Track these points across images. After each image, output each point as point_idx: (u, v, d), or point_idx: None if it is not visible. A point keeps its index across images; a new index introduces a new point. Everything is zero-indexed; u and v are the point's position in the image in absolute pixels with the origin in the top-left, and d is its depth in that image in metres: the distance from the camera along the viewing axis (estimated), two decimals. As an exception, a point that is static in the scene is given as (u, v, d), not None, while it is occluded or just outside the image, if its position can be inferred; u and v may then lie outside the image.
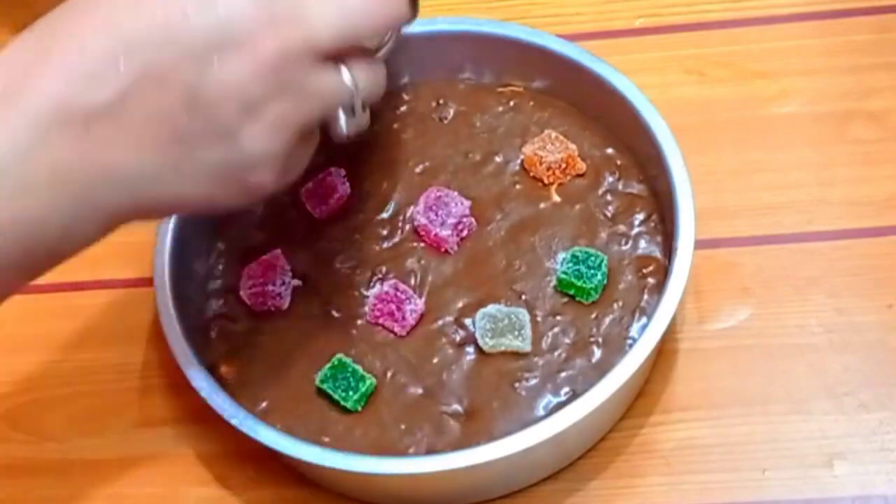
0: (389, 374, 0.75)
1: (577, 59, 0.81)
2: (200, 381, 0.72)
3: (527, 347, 0.74)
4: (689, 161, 0.75)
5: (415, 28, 0.83)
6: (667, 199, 0.75)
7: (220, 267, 0.81)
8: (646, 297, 0.75)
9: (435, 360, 0.75)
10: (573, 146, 0.81)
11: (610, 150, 0.81)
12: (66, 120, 0.54)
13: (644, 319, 0.74)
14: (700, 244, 0.73)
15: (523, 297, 0.76)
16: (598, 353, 0.74)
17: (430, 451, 0.72)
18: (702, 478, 0.74)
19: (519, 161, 0.82)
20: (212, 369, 0.75)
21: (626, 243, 0.78)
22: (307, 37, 0.57)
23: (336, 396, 0.73)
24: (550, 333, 0.75)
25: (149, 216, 0.61)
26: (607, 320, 0.75)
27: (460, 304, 0.77)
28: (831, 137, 0.85)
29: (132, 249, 0.84)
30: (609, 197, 0.80)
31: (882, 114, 0.85)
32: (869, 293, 0.79)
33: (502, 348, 0.74)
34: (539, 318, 0.75)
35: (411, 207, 0.81)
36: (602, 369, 0.72)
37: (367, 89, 0.61)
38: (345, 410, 0.74)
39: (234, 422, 0.70)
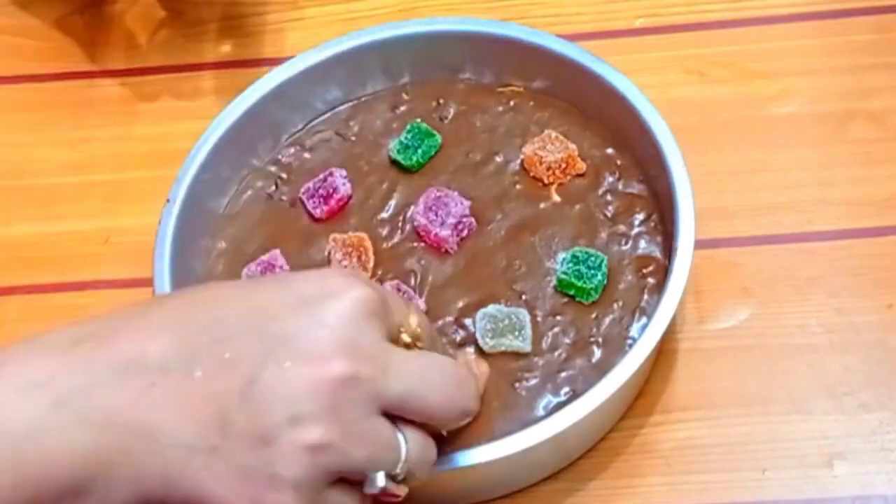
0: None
1: (578, 59, 0.81)
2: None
3: (527, 348, 0.74)
4: (689, 161, 0.75)
5: (415, 28, 0.84)
6: (667, 199, 0.75)
7: (220, 267, 0.80)
8: (646, 297, 0.75)
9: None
10: (573, 146, 0.81)
11: (610, 150, 0.81)
12: (138, 370, 0.56)
13: (644, 319, 0.74)
14: (700, 244, 0.73)
15: (523, 297, 0.76)
16: (598, 353, 0.74)
17: None
18: (702, 478, 0.74)
19: (519, 161, 0.82)
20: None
21: (626, 243, 0.78)
22: (379, 381, 0.58)
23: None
24: (550, 333, 0.75)
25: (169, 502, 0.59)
26: (607, 320, 0.75)
27: (460, 305, 0.77)
28: (831, 137, 0.85)
29: (132, 249, 0.85)
30: (609, 197, 0.79)
31: (882, 114, 0.85)
32: (869, 293, 0.79)
33: (502, 348, 0.74)
34: (539, 318, 0.75)
35: (411, 207, 0.81)
36: (602, 369, 0.72)
37: (415, 460, 0.60)
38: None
39: None
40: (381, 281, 0.78)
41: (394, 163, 0.83)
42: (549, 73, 0.83)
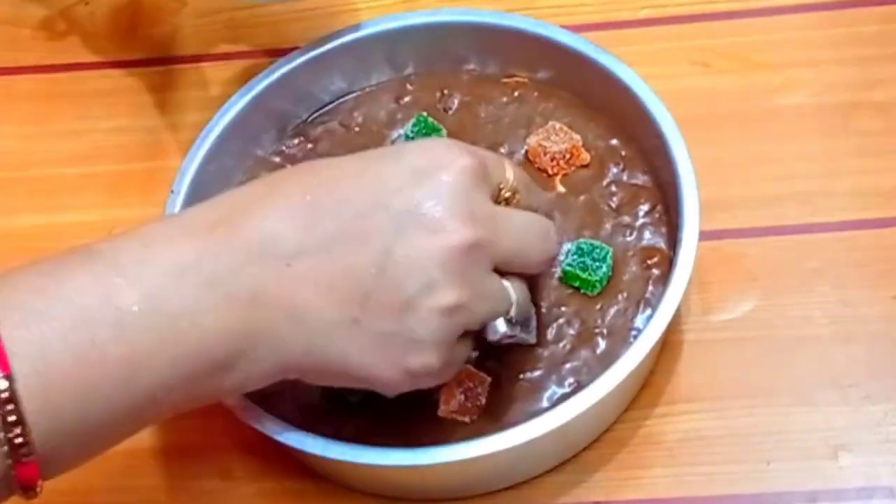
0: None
1: (582, 49, 0.81)
2: (205, 373, 0.72)
3: (532, 340, 0.73)
4: (693, 152, 0.75)
5: (419, 18, 0.84)
6: (671, 190, 0.75)
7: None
8: (650, 288, 0.75)
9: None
10: (577, 137, 0.81)
11: (614, 141, 0.81)
12: (274, 252, 0.59)
13: (649, 311, 0.74)
14: (705, 235, 0.73)
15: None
16: (602, 344, 0.74)
17: (435, 442, 0.71)
18: (706, 469, 0.74)
19: (523, 152, 0.82)
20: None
21: (631, 234, 0.77)
22: (494, 242, 0.63)
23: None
24: (555, 325, 0.75)
25: (314, 375, 0.63)
26: (612, 311, 0.75)
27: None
28: (836, 129, 0.85)
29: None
30: (613, 188, 0.79)
31: (887, 105, 0.85)
32: (874, 284, 0.78)
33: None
34: (544, 310, 0.75)
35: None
36: (607, 361, 0.72)
37: (521, 304, 0.67)
38: (350, 402, 0.74)
39: (238, 413, 0.70)
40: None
41: (398, 154, 0.82)
42: (554, 64, 0.83)
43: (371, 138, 0.84)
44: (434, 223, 0.61)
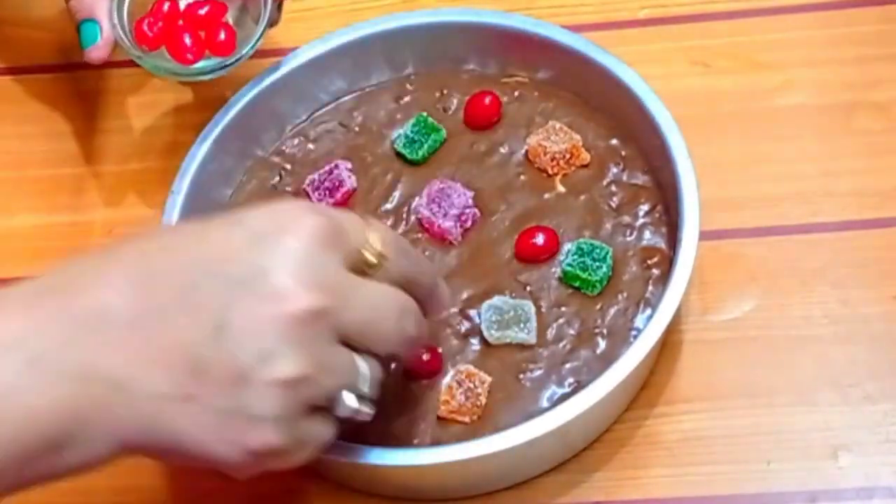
0: (394, 366, 0.75)
1: (582, 49, 0.81)
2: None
3: (532, 340, 0.74)
4: (693, 152, 0.75)
5: (419, 18, 0.83)
6: (671, 190, 0.75)
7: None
8: (650, 288, 0.75)
9: (439, 351, 0.75)
10: (577, 137, 0.81)
11: (614, 141, 0.81)
12: (104, 324, 0.56)
13: (649, 310, 0.74)
14: (705, 235, 0.73)
15: (528, 288, 0.76)
16: (602, 344, 0.74)
17: (435, 442, 0.72)
18: (706, 469, 0.74)
19: (523, 152, 0.81)
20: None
21: (631, 234, 0.77)
22: (341, 311, 0.59)
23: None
24: (555, 325, 0.75)
25: (157, 454, 0.60)
26: (612, 311, 0.75)
27: (465, 296, 0.77)
28: (836, 128, 0.85)
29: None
30: (614, 188, 0.79)
31: (887, 104, 0.85)
32: (874, 284, 0.78)
33: (508, 340, 0.74)
34: (544, 310, 0.75)
35: (415, 199, 0.80)
36: (607, 360, 0.72)
37: (374, 381, 0.62)
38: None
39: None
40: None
41: (398, 154, 0.82)
42: (554, 64, 0.83)
43: (371, 138, 0.84)
44: (273, 290, 0.57)
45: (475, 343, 0.75)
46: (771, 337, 0.77)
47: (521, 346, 0.74)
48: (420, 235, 0.79)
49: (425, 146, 0.82)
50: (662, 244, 0.77)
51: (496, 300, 0.75)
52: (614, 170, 0.80)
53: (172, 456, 0.59)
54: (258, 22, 0.79)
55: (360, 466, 0.69)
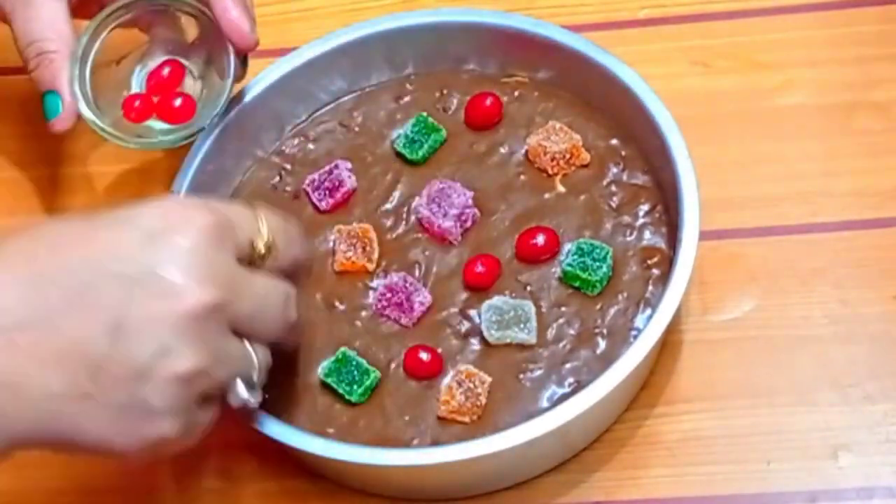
0: (394, 366, 0.75)
1: (582, 49, 0.80)
2: (204, 373, 0.72)
3: (532, 340, 0.74)
4: (693, 152, 0.75)
5: (419, 18, 0.83)
6: (671, 190, 0.75)
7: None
8: (650, 288, 0.75)
9: (440, 352, 0.75)
10: (577, 137, 0.81)
11: (614, 141, 0.81)
12: None
13: (649, 310, 0.74)
14: (705, 235, 0.73)
15: (528, 288, 0.76)
16: (602, 344, 0.74)
17: (435, 442, 0.72)
18: (706, 469, 0.74)
19: (523, 152, 0.81)
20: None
21: (631, 234, 0.77)
22: (234, 304, 0.61)
23: (340, 390, 0.74)
24: (555, 325, 0.75)
25: (50, 448, 0.61)
26: (612, 311, 0.75)
27: (465, 296, 0.77)
28: (836, 128, 0.85)
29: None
30: (614, 188, 0.79)
31: (887, 105, 0.85)
32: (874, 284, 0.78)
33: (508, 340, 0.74)
34: (544, 310, 0.75)
35: (415, 199, 0.80)
36: (607, 360, 0.72)
37: (264, 369, 0.65)
38: (349, 402, 0.74)
39: (238, 414, 0.70)
40: (386, 272, 0.78)
41: (398, 154, 0.82)
42: (554, 64, 0.83)
43: (370, 138, 0.84)
44: (167, 287, 0.59)
45: (475, 343, 0.75)
46: (771, 337, 0.77)
47: (521, 346, 0.74)
48: (420, 235, 0.79)
49: (425, 146, 0.82)
50: (662, 244, 0.77)
51: (496, 300, 0.75)
52: (614, 170, 0.80)
53: (68, 450, 0.61)
54: (223, 76, 0.79)
55: (360, 466, 0.69)
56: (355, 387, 0.73)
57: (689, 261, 0.71)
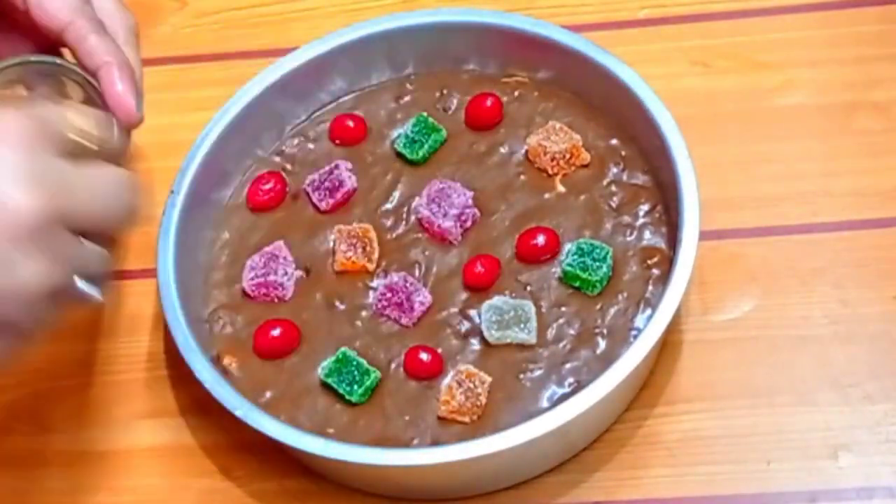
0: (394, 366, 0.75)
1: (582, 49, 0.81)
2: (204, 373, 0.72)
3: (532, 340, 0.74)
4: (693, 152, 0.75)
5: (419, 18, 0.83)
6: (671, 190, 0.75)
7: (224, 258, 0.80)
8: (650, 288, 0.75)
9: (440, 352, 0.75)
10: (577, 137, 0.81)
11: (614, 141, 0.81)
12: None
13: (649, 310, 0.74)
14: (705, 235, 0.73)
15: (528, 288, 0.76)
16: (602, 344, 0.74)
17: (435, 442, 0.72)
18: (706, 469, 0.74)
19: (523, 152, 0.81)
20: (215, 360, 0.75)
21: (631, 234, 0.77)
22: (67, 206, 0.59)
23: (340, 390, 0.73)
24: (555, 325, 0.75)
25: None
26: (612, 311, 0.75)
27: (465, 296, 0.77)
28: (836, 128, 0.85)
29: (136, 241, 0.84)
30: (614, 188, 0.79)
31: (888, 105, 0.85)
32: (874, 284, 0.78)
33: (508, 340, 0.74)
34: (544, 310, 0.75)
35: (415, 199, 0.80)
36: (607, 360, 0.72)
37: (102, 263, 0.63)
38: (349, 402, 0.74)
39: (237, 413, 0.70)
40: (386, 272, 0.78)
41: (398, 154, 0.82)
42: (554, 64, 0.83)
43: (371, 138, 0.84)
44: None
45: (475, 343, 0.75)
46: (771, 337, 0.77)
47: (522, 346, 0.74)
48: (420, 235, 0.79)
49: (425, 146, 0.82)
50: (662, 244, 0.77)
51: (496, 300, 0.75)
52: (614, 170, 0.80)
53: None
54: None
55: (360, 466, 0.69)
56: (356, 387, 0.73)
57: (689, 261, 0.71)
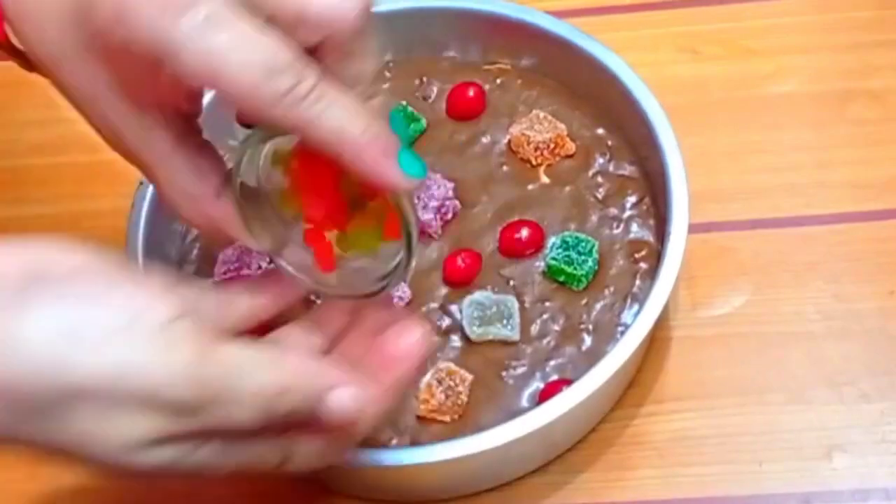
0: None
1: (567, 36, 0.80)
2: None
3: (515, 336, 0.73)
4: (682, 142, 0.74)
5: (398, 3, 0.83)
6: (659, 181, 0.75)
7: (195, 251, 0.80)
8: (638, 282, 0.75)
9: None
10: (562, 126, 0.80)
11: (600, 131, 0.80)
12: None
13: (636, 306, 0.74)
14: (694, 228, 0.72)
15: (511, 282, 0.75)
16: (588, 340, 0.73)
17: (414, 442, 0.71)
18: (696, 470, 0.73)
19: (506, 141, 0.81)
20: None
21: (618, 227, 0.77)
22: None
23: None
24: (539, 320, 0.74)
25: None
26: (598, 306, 0.74)
27: (445, 291, 0.76)
28: (830, 117, 0.85)
29: (105, 233, 0.83)
30: (600, 179, 0.79)
31: (883, 93, 0.85)
32: (869, 279, 0.78)
33: (490, 337, 0.73)
34: (527, 305, 0.75)
35: (394, 190, 0.79)
36: (592, 357, 0.71)
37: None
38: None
39: None
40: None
41: (376, 143, 0.81)
42: (537, 51, 0.82)
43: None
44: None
45: (456, 340, 0.74)
46: (762, 333, 0.77)
47: (504, 343, 0.73)
48: (399, 228, 0.78)
49: (404, 137, 0.80)
50: (650, 237, 0.76)
51: (478, 295, 0.74)
52: (600, 160, 0.79)
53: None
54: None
55: (335, 467, 0.67)
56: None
57: (677, 254, 0.71)
